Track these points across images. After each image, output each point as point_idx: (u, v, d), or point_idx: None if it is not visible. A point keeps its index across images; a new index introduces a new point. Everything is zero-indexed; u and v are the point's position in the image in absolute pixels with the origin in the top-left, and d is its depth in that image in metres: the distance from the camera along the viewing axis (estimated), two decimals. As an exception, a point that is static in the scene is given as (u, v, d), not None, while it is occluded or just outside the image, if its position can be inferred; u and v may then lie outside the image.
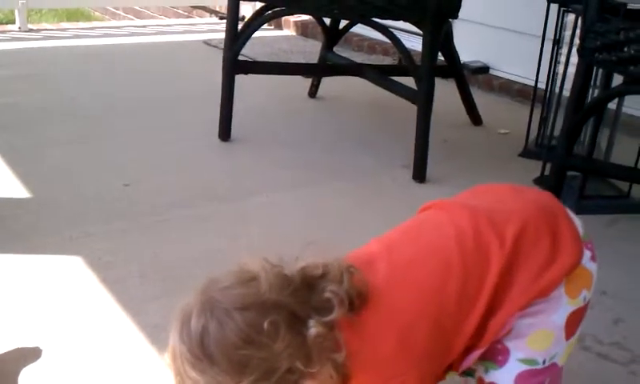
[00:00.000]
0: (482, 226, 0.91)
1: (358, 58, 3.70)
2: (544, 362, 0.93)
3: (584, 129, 2.23)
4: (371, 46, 3.84)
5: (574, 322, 0.93)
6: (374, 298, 0.86)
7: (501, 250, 0.89)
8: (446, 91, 2.79)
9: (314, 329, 0.81)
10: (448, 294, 0.88)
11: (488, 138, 2.75)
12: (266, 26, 4.26)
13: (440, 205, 1.00)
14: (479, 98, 3.04)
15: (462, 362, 0.93)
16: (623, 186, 2.19)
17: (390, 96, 2.42)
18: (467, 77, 3.24)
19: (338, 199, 2.09)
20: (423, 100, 2.13)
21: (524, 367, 0.92)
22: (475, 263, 0.89)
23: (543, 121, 2.45)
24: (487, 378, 0.95)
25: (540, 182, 2.13)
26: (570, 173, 2.05)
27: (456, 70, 2.64)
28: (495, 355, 0.93)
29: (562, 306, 0.92)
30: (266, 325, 0.79)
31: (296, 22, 4.29)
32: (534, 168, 2.27)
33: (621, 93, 2.07)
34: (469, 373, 0.98)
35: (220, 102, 2.39)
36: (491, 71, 3.44)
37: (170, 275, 1.59)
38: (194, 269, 1.60)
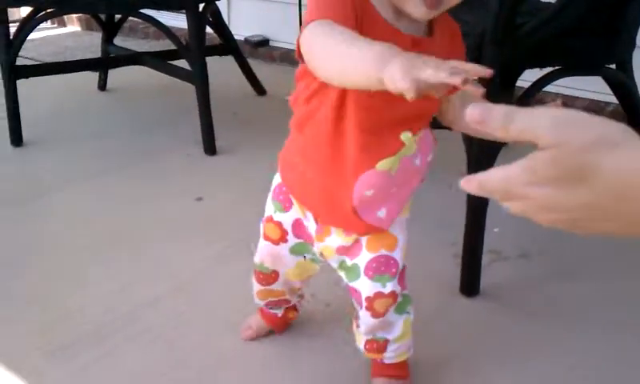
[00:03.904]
0: None
1: (145, 45, 3.81)
2: (402, 267, 1.17)
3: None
4: (157, 32, 3.94)
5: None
6: None
7: None
8: (230, 67, 3.00)
9: None
10: None
11: (272, 105, 2.99)
12: (49, 24, 4.27)
13: None
14: (262, 69, 3.27)
15: None
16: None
17: (176, 78, 2.57)
18: (249, 51, 3.48)
19: (136, 182, 2.23)
20: (199, 80, 2.32)
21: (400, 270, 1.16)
22: None
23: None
24: (386, 290, 1.15)
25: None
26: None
27: (231, 46, 2.84)
28: (389, 268, 1.14)
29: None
30: None
31: (79, 18, 4.28)
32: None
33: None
34: None
35: (6, 110, 2.43)
36: (271, 43, 3.68)
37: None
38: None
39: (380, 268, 1.14)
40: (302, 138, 1.09)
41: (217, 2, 2.72)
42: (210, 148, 2.42)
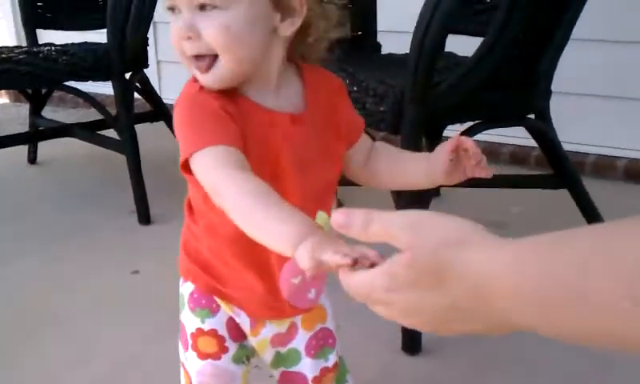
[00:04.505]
0: None
1: (76, 114, 3.76)
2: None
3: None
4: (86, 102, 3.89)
5: None
6: None
7: None
8: (162, 131, 2.97)
9: None
10: None
11: (207, 167, 2.96)
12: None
13: None
14: (195, 131, 3.25)
15: None
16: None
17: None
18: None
19: (68, 259, 2.17)
20: (129, 149, 2.30)
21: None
22: None
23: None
24: (330, 363, 1.11)
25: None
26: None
27: (162, 111, 2.82)
28: (327, 340, 1.10)
29: None
30: None
31: (7, 90, 4.21)
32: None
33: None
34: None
35: None
36: (204, 103, 3.67)
37: None
38: None
39: (319, 343, 1.11)
40: (215, 241, 1.02)
41: (145, 69, 2.71)
42: (145, 217, 2.38)
